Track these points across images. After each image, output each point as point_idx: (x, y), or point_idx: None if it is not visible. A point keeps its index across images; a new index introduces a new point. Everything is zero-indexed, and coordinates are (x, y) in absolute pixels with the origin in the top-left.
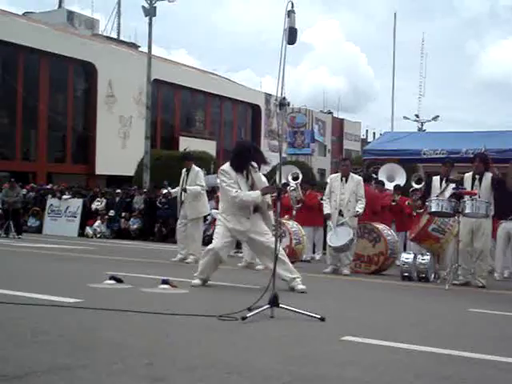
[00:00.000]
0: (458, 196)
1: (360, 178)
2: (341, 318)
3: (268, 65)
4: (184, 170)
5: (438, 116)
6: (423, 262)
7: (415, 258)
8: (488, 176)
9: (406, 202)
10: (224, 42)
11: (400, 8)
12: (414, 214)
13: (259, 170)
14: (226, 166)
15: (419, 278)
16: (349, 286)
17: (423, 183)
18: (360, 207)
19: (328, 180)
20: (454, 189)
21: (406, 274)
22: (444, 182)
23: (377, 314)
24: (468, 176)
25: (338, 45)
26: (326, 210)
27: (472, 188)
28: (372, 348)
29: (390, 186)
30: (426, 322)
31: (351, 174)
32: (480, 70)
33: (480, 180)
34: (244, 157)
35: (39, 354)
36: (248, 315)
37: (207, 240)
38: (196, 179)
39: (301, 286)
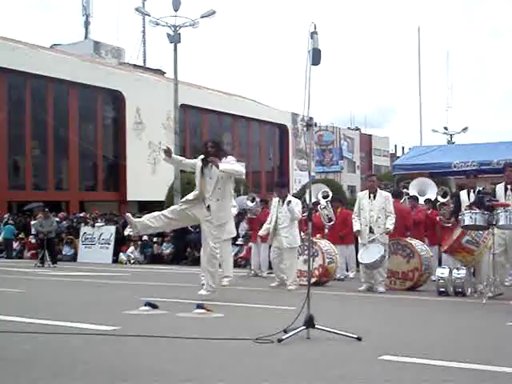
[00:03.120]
0: (488, 206)
1: (388, 193)
2: (378, 336)
3: (294, 84)
4: None
5: (466, 127)
6: (459, 276)
7: (451, 272)
8: None
9: (437, 218)
10: (247, 64)
11: (423, 20)
12: (446, 225)
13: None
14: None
15: (456, 293)
16: (384, 303)
17: (448, 196)
18: (390, 223)
19: (357, 197)
20: (487, 201)
21: (443, 290)
22: (472, 193)
23: (414, 332)
24: (500, 186)
25: (362, 60)
26: (356, 227)
27: (505, 198)
28: (411, 367)
29: (421, 200)
30: (464, 338)
31: (379, 190)
32: (506, 79)
33: None
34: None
35: (78, 383)
36: (284, 337)
37: (239, 262)
38: None
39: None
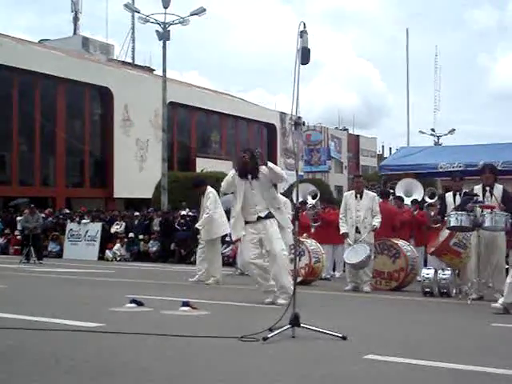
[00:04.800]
0: (471, 208)
1: (374, 194)
2: (363, 336)
3: (281, 84)
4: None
5: (454, 129)
6: (444, 277)
7: (436, 273)
8: (499, 187)
9: (430, 220)
10: (235, 63)
11: (411, 22)
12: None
13: None
14: None
15: (441, 294)
16: (370, 303)
17: (436, 197)
18: (376, 221)
19: (343, 198)
20: (473, 202)
21: (428, 290)
22: (458, 196)
23: (399, 331)
24: (478, 188)
25: (350, 61)
26: (343, 228)
27: (483, 200)
28: (395, 366)
29: (407, 201)
30: (449, 338)
31: (365, 190)
32: (493, 82)
33: (491, 192)
34: None
35: (64, 379)
36: (269, 336)
37: (226, 260)
38: (206, 202)
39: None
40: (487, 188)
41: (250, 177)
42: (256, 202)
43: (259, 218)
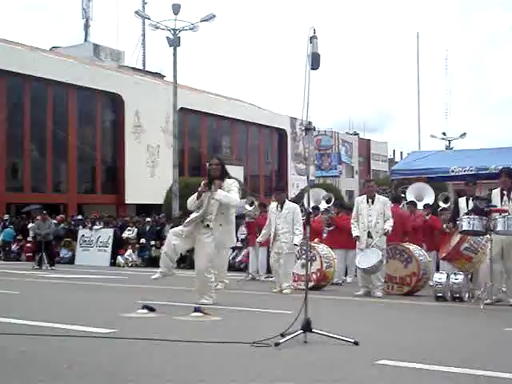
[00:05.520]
0: (485, 212)
1: (386, 198)
2: (375, 341)
3: (292, 89)
4: None
5: (465, 133)
6: (457, 281)
7: (448, 278)
8: None
9: (443, 226)
10: (246, 68)
11: (422, 26)
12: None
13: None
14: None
15: (453, 298)
16: (382, 308)
17: (450, 202)
18: (388, 225)
19: (355, 202)
20: (485, 207)
21: (440, 295)
22: (471, 201)
23: (411, 337)
24: (496, 192)
25: (360, 65)
26: (355, 232)
27: (501, 204)
28: (407, 371)
29: (419, 205)
30: (461, 344)
31: (377, 195)
32: (504, 85)
33: (508, 195)
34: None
35: None
36: (281, 341)
37: (238, 266)
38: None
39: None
40: (505, 192)
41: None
42: (211, 211)
43: (207, 226)
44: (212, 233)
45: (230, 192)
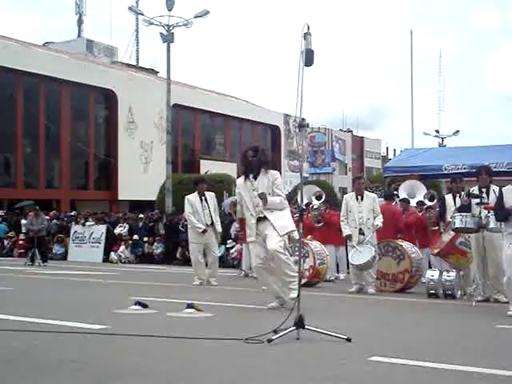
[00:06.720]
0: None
1: (375, 195)
2: (367, 337)
3: (285, 85)
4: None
5: (458, 131)
6: (449, 278)
7: (441, 274)
8: (496, 189)
9: (428, 224)
10: (239, 64)
11: (415, 24)
12: (433, 228)
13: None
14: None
15: (445, 295)
16: (374, 305)
17: (435, 200)
18: (379, 221)
19: (343, 200)
20: (477, 204)
21: (432, 292)
22: (458, 198)
23: (404, 333)
24: (474, 189)
25: (354, 62)
26: (346, 231)
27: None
28: (400, 368)
29: (412, 202)
30: (454, 340)
31: (365, 191)
32: (497, 82)
33: (487, 193)
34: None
35: (70, 381)
36: (274, 338)
37: (231, 262)
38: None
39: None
40: (483, 189)
41: (251, 177)
42: (257, 203)
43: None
44: (269, 220)
45: (274, 191)
